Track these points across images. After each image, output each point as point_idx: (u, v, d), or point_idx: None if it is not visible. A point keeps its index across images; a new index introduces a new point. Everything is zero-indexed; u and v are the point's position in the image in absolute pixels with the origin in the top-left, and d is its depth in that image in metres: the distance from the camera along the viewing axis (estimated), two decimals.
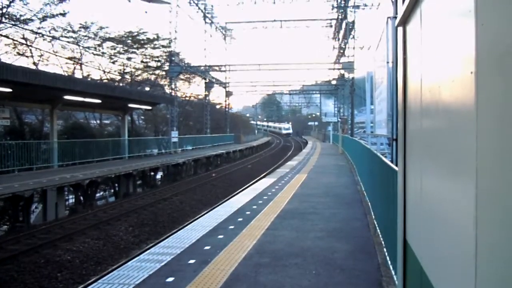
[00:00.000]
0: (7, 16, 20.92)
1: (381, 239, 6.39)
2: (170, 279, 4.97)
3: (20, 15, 22.58)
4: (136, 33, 33.13)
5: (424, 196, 2.41)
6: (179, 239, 6.77)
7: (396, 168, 4.19)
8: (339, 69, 38.79)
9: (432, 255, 2.18)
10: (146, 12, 34.54)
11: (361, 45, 35.33)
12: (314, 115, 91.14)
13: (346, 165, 20.37)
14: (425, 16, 2.34)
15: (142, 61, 34.81)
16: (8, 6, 21.27)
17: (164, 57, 35.33)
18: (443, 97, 1.88)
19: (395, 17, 3.96)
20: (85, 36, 29.59)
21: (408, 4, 2.66)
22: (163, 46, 34.96)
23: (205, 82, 41.45)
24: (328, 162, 23.05)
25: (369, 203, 9.23)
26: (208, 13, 37.95)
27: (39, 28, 24.07)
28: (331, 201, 10.25)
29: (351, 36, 34.46)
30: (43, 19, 24.40)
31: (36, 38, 25.77)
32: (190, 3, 33.92)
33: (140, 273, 5.14)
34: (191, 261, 5.63)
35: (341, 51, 39.70)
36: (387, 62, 6.23)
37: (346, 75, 37.70)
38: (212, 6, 37.45)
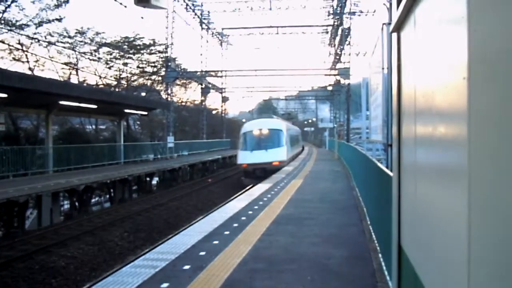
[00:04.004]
0: (2, 21, 20.90)
1: (377, 244, 6.39)
2: (165, 285, 4.94)
3: (16, 21, 22.56)
4: (132, 39, 33.15)
5: (418, 201, 2.41)
6: (174, 245, 6.73)
7: (391, 174, 4.20)
8: (335, 75, 38.92)
9: (426, 261, 2.18)
10: (142, 18, 34.63)
11: (357, 51, 35.45)
12: (310, 121, 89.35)
13: (342, 170, 20.39)
14: (419, 22, 2.36)
15: (138, 67, 34.82)
16: (4, 11, 21.24)
17: (161, 63, 35.35)
18: (437, 103, 1.89)
19: (390, 24, 4.00)
20: (81, 41, 29.57)
21: (402, 10, 2.68)
22: (159, 52, 34.99)
23: (202, 88, 41.47)
24: (324, 167, 23.05)
25: (365, 209, 9.23)
26: (204, 19, 38.03)
27: (35, 34, 24.04)
28: (326, 207, 10.25)
29: (347, 43, 34.63)
30: (39, 24, 24.38)
31: (32, 43, 25.72)
32: (186, 9, 34.00)
33: (135, 279, 5.11)
34: (186, 267, 5.60)
35: (337, 57, 39.88)
36: (382, 68, 6.26)
37: (342, 81, 37.84)
38: (208, 12, 37.53)
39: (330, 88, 46.83)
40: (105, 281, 5.07)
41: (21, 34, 22.78)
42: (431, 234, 2.03)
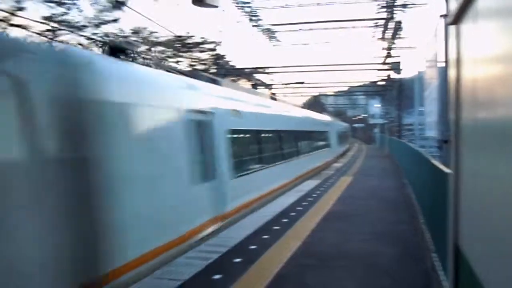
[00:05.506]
0: (64, 23, 22.11)
1: (430, 243, 6.21)
2: (217, 276, 5.08)
3: (76, 22, 23.75)
4: (184, 38, 33.96)
5: (480, 201, 2.33)
6: (226, 238, 6.89)
7: (447, 171, 4.07)
8: (386, 69, 37.88)
9: (489, 264, 2.11)
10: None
11: (409, 45, 34.36)
12: (360, 117, 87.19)
13: (393, 167, 19.88)
14: (481, 14, 2.28)
15: (190, 65, 35.63)
16: (65, 13, 22.47)
17: (211, 60, 35.96)
18: (501, 97, 1.83)
19: (447, 15, 3.87)
20: (136, 41, 30.68)
21: (462, 1, 2.60)
22: (209, 50, 35.60)
23: (252, 85, 41.76)
24: (374, 164, 22.58)
25: (417, 207, 8.98)
26: (253, 15, 38.24)
27: (93, 34, 25.23)
28: (377, 204, 10.05)
29: (399, 36, 33.58)
30: (97, 25, 25.55)
31: (90, 44, 26.96)
32: (236, 6, 34.34)
33: (189, 270, 5.29)
34: (237, 260, 5.73)
35: (389, 51, 38.79)
36: (438, 62, 6.05)
37: (394, 76, 36.79)
38: (257, 9, 37.68)
39: (380, 83, 45.64)
40: (161, 271, 5.29)
41: (81, 35, 23.96)
42: (496, 235, 1.97)
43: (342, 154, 33.05)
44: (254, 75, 39.58)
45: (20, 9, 18.90)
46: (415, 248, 6.36)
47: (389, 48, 37.39)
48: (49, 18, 20.62)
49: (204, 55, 36.11)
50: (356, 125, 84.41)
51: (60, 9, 21.84)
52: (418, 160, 9.28)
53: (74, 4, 22.67)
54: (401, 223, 8.02)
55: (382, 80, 43.41)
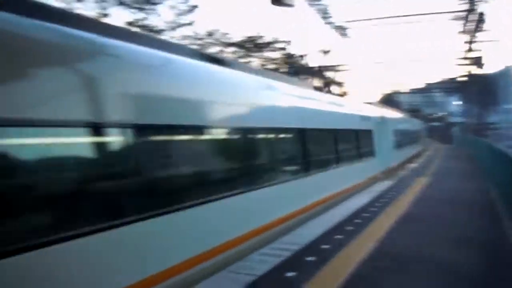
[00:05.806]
0: (145, 28, 23.47)
1: None
2: (290, 274, 5.16)
3: (155, 26, 25.08)
4: (255, 38, 34.45)
5: None
6: (298, 236, 6.96)
7: None
8: (467, 65, 35.63)
9: None
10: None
11: (494, 38, 31.98)
12: (437, 115, 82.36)
13: (473, 169, 18.69)
14: None
15: (262, 64, 36.11)
16: (145, 18, 23.86)
17: (282, 59, 36.12)
18: None
19: None
20: (210, 42, 31.66)
21: None
22: (280, 49, 35.78)
23: (325, 82, 41.30)
24: (452, 165, 21.39)
25: (503, 211, 8.40)
26: (325, 12, 37.79)
27: (172, 37, 26.50)
28: (456, 207, 9.52)
29: (481, 29, 31.40)
30: (173, 29, 26.77)
31: None
32: (307, 4, 34.15)
33: (263, 266, 5.42)
34: (310, 259, 5.76)
35: (470, 45, 36.42)
36: None
37: (476, 71, 34.51)
38: (328, 5, 37.16)
39: (461, 79, 43.00)
40: (237, 265, 5.49)
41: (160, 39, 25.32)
42: None
43: (409, 160, 25.36)
44: (325, 73, 39.17)
45: (105, 15, 20.42)
46: (501, 255, 5.96)
47: (471, 42, 35.12)
48: (131, 24, 22.06)
49: (275, 54, 36.38)
50: (433, 123, 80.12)
51: (141, 15, 23.27)
52: (505, 161, 8.69)
53: (153, 9, 24.03)
54: (484, 228, 7.55)
55: (463, 76, 40.87)
